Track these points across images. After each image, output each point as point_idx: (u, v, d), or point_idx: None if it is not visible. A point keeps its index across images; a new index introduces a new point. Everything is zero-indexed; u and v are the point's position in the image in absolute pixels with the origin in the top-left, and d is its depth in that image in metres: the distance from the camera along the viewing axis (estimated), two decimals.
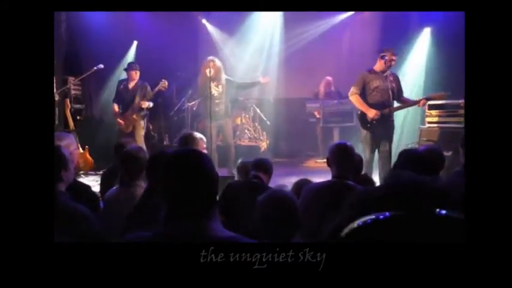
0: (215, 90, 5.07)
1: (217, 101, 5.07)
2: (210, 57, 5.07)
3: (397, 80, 4.39)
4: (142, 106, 5.24)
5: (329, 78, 6.83)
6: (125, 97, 5.32)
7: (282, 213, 1.62)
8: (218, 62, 5.07)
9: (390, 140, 4.33)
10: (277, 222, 1.61)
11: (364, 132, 4.33)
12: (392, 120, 4.38)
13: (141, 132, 5.33)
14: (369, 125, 4.27)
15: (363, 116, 4.31)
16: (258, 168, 2.54)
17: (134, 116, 5.26)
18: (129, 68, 5.30)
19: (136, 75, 5.28)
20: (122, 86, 5.36)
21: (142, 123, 5.35)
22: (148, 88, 5.29)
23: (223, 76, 5.13)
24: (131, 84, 5.31)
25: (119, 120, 5.28)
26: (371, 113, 4.19)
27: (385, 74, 4.32)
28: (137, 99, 5.22)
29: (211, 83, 5.00)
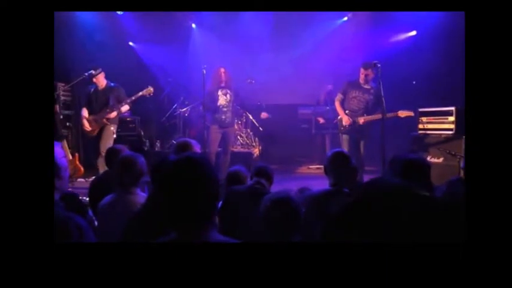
0: (223, 99, 5.11)
1: (224, 109, 5.12)
2: (220, 66, 5.11)
3: (376, 94, 4.52)
4: (122, 109, 5.02)
5: (329, 86, 6.84)
6: (96, 100, 5.04)
7: (287, 213, 1.69)
8: (228, 71, 5.11)
9: (364, 145, 4.71)
10: (280, 222, 1.69)
11: (340, 135, 4.83)
12: (368, 128, 4.71)
13: (109, 139, 4.94)
14: (342, 129, 4.78)
15: (340, 121, 4.82)
16: (261, 174, 2.52)
17: (104, 120, 4.98)
18: (93, 75, 5.01)
19: (102, 77, 5.04)
20: (92, 90, 5.10)
21: (113, 128, 5.01)
22: (122, 90, 5.07)
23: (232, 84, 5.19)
24: (101, 87, 5.07)
25: (85, 123, 4.97)
26: (344, 119, 4.72)
27: (366, 86, 4.66)
28: (111, 101, 4.96)
29: (220, 92, 5.07)
